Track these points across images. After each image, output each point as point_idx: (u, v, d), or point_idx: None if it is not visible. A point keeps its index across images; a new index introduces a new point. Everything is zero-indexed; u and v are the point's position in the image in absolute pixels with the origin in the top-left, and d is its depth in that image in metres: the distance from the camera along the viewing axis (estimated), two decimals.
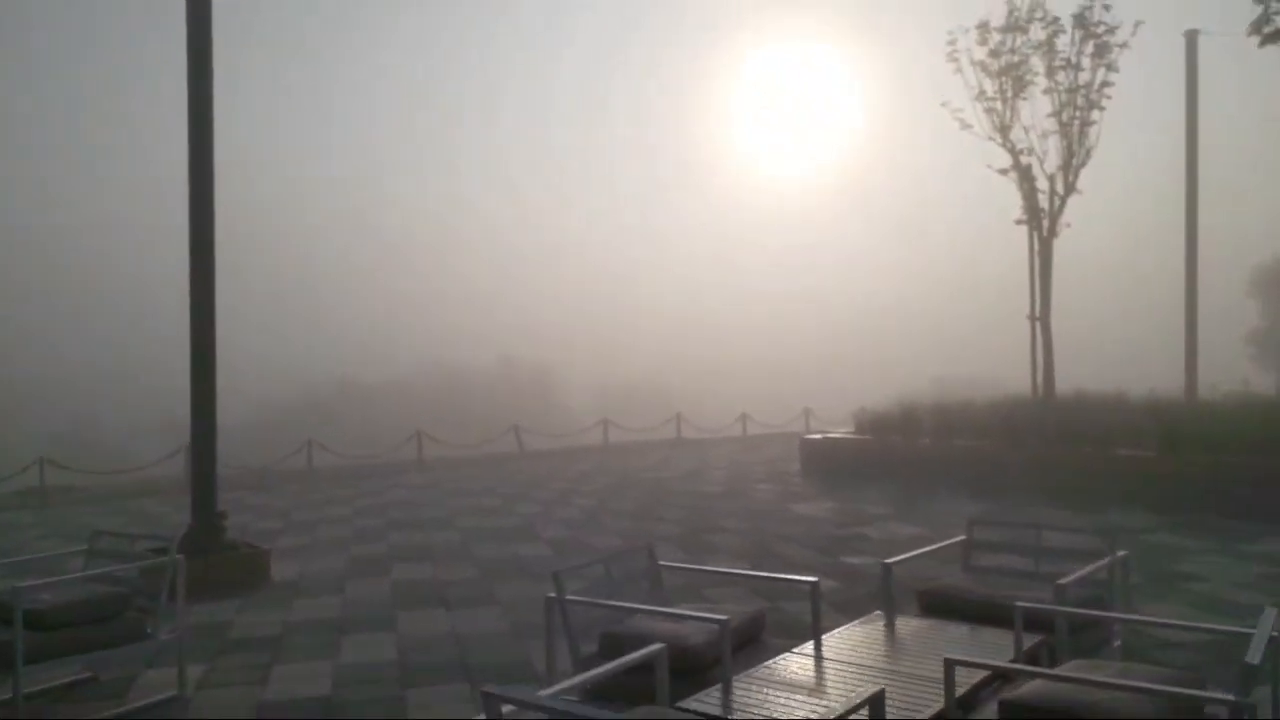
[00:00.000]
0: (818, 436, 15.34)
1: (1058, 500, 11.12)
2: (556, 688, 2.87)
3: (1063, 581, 4.14)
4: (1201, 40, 17.30)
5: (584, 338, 75.90)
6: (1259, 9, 11.00)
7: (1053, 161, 14.90)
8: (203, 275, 8.33)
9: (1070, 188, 14.74)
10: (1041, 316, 15.17)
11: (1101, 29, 14.41)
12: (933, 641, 4.07)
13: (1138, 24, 14.54)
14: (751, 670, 3.75)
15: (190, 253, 8.36)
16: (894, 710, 3.04)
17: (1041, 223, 15.01)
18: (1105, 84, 14.65)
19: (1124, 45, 14.50)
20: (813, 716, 3.20)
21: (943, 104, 15.50)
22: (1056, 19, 14.54)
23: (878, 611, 4.60)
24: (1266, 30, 10.85)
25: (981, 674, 3.42)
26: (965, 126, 15.42)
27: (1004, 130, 15.24)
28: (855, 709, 2.45)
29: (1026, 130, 15.04)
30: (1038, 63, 14.95)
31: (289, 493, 14.54)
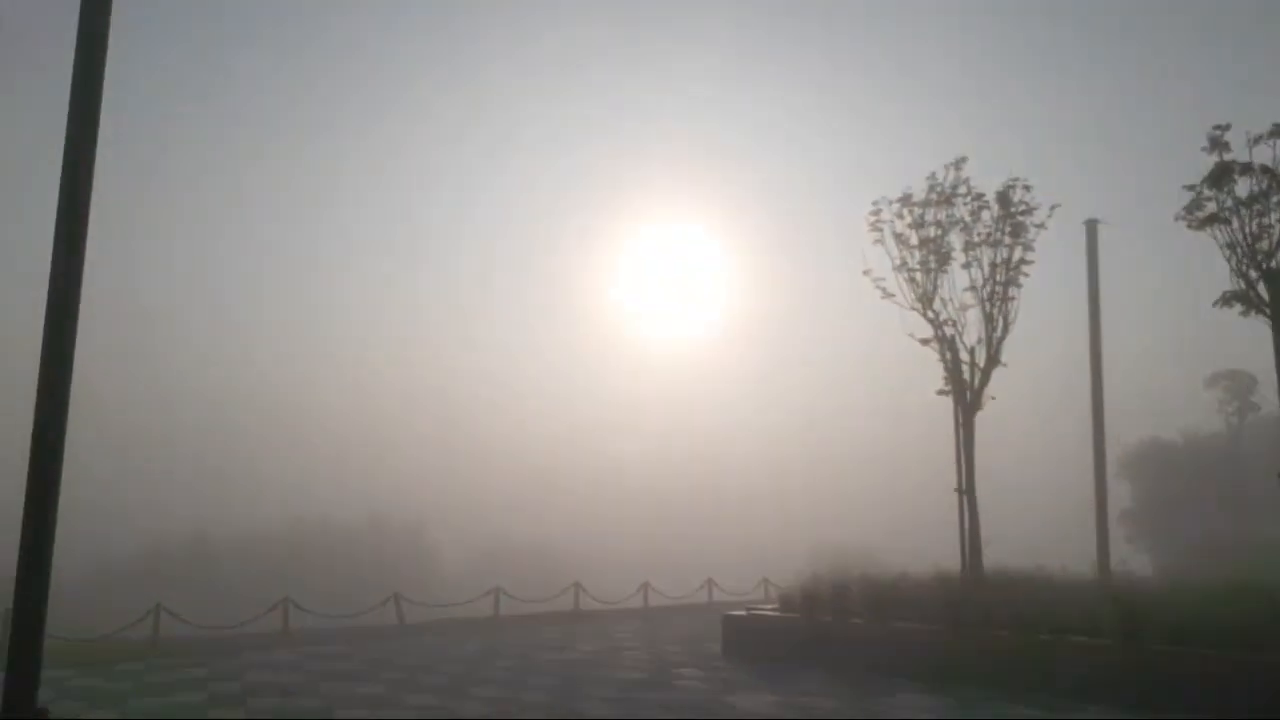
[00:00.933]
0: (741, 613, 14.10)
1: (1017, 695, 10.18)
2: None
3: None
4: (1102, 229, 17.99)
5: (456, 496, 73.20)
6: (1189, 195, 11.21)
7: (973, 334, 14.79)
8: (54, 391, 6.76)
9: (993, 360, 14.59)
10: (967, 489, 14.67)
11: (1021, 209, 14.66)
12: None
13: (1054, 207, 14.88)
14: None
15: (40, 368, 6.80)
16: None
17: (965, 394, 14.72)
18: (1024, 261, 14.80)
19: (1041, 226, 14.76)
20: None
21: (865, 272, 15.38)
22: (981, 195, 14.74)
23: None
24: (1199, 215, 11.02)
25: None
26: (888, 295, 15.27)
27: (926, 300, 15.14)
28: None
29: (945, 303, 14.97)
30: (956, 239, 15.05)
31: (129, 673, 12.21)
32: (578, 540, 64.12)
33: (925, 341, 15.18)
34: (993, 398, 14.81)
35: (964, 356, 14.80)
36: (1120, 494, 41.14)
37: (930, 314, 15.04)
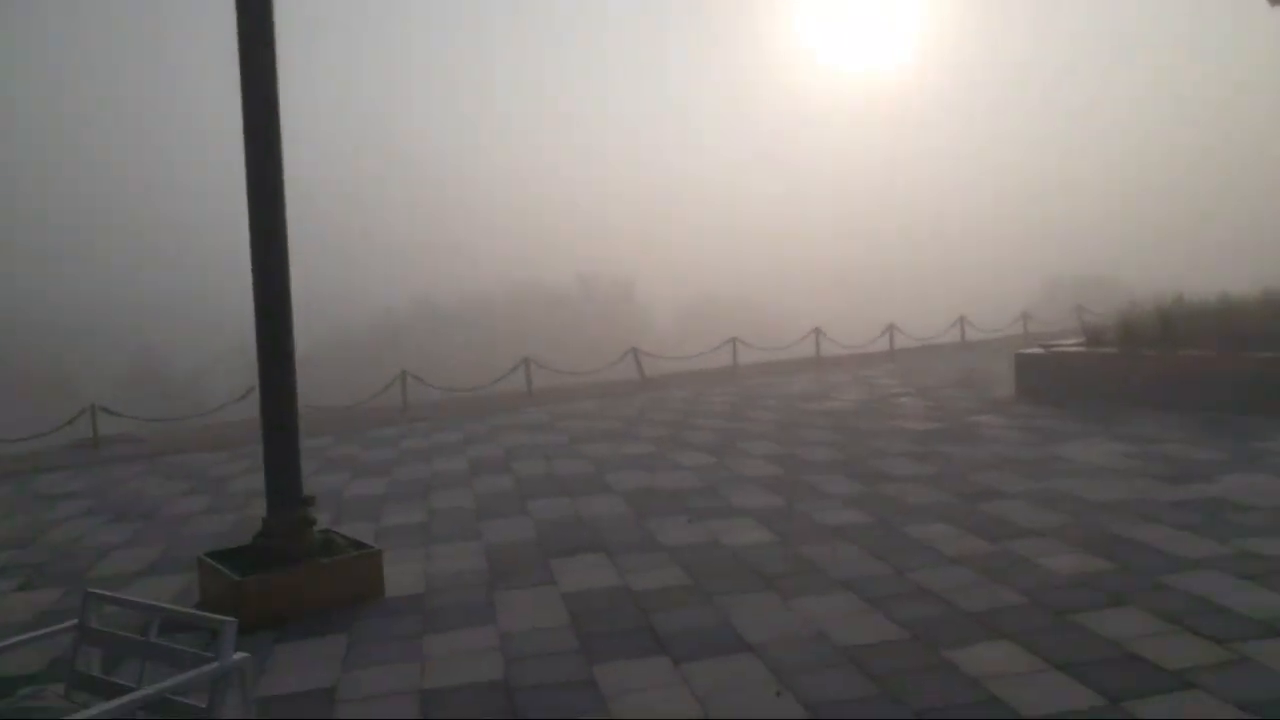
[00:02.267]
0: (1037, 351, 12.08)
1: None
2: None
3: None
4: None
5: (657, 253, 72.68)
6: None
7: None
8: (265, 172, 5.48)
9: None
10: None
11: None
12: None
13: None
14: None
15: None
16: None
17: None
18: None
19: None
20: None
21: None
22: None
23: None
24: None
25: None
26: None
27: None
28: None
29: None
30: None
31: (384, 440, 11.93)
32: (787, 293, 62.82)
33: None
34: None
35: None
36: None
37: None
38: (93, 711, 2.42)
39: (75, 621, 3.09)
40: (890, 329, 19.58)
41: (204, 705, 2.66)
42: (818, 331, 18.87)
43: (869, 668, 4.12)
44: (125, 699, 2.50)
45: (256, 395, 5.74)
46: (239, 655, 2.71)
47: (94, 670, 3.07)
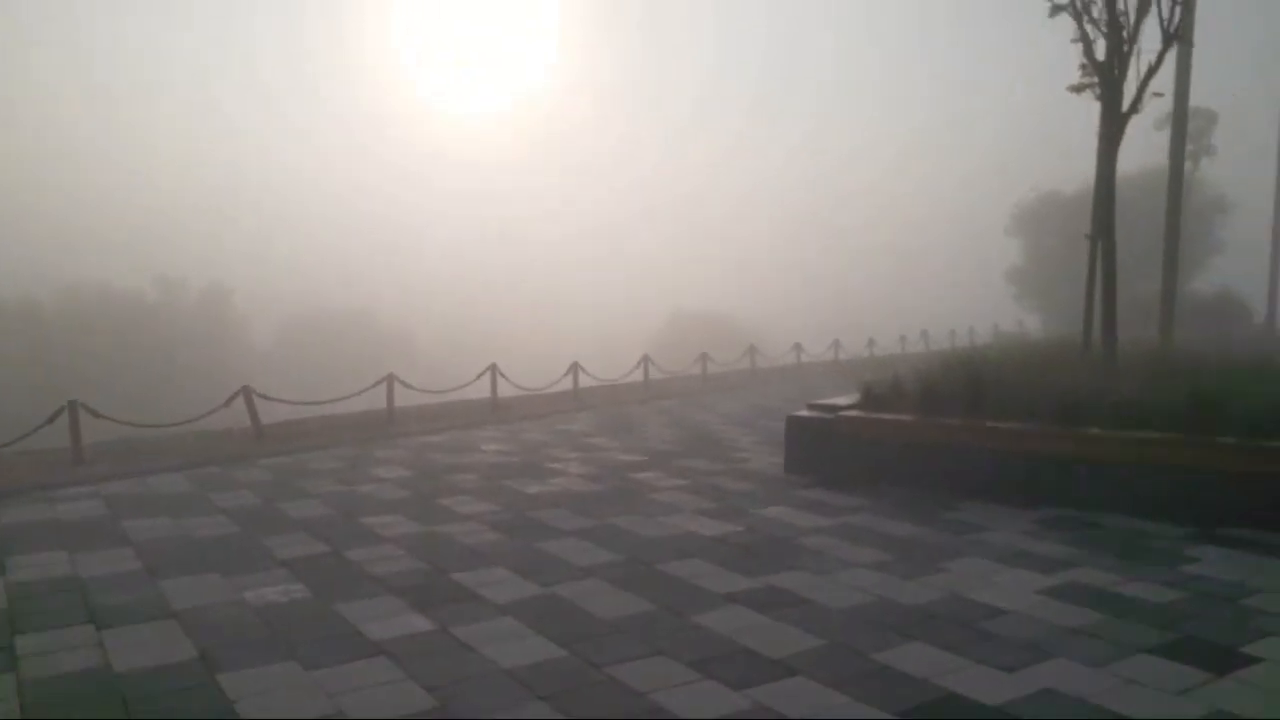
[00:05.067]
0: (815, 415, 9.44)
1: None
2: None
3: None
4: None
5: (254, 260, 64.36)
6: None
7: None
8: None
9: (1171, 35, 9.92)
10: (1102, 233, 10.44)
11: None
12: None
13: None
14: None
15: None
16: None
17: (1112, 87, 10.09)
18: None
19: None
20: None
21: None
22: None
23: None
24: None
25: None
26: None
27: None
28: None
29: None
30: None
31: None
32: (411, 311, 58.02)
33: (1055, 9, 10.31)
34: (1158, 94, 10.27)
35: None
36: (1010, 250, 39.34)
37: None
38: None
39: None
40: (575, 367, 16.49)
41: None
42: (494, 369, 15.23)
43: None
44: None
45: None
46: None
47: None
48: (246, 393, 12.27)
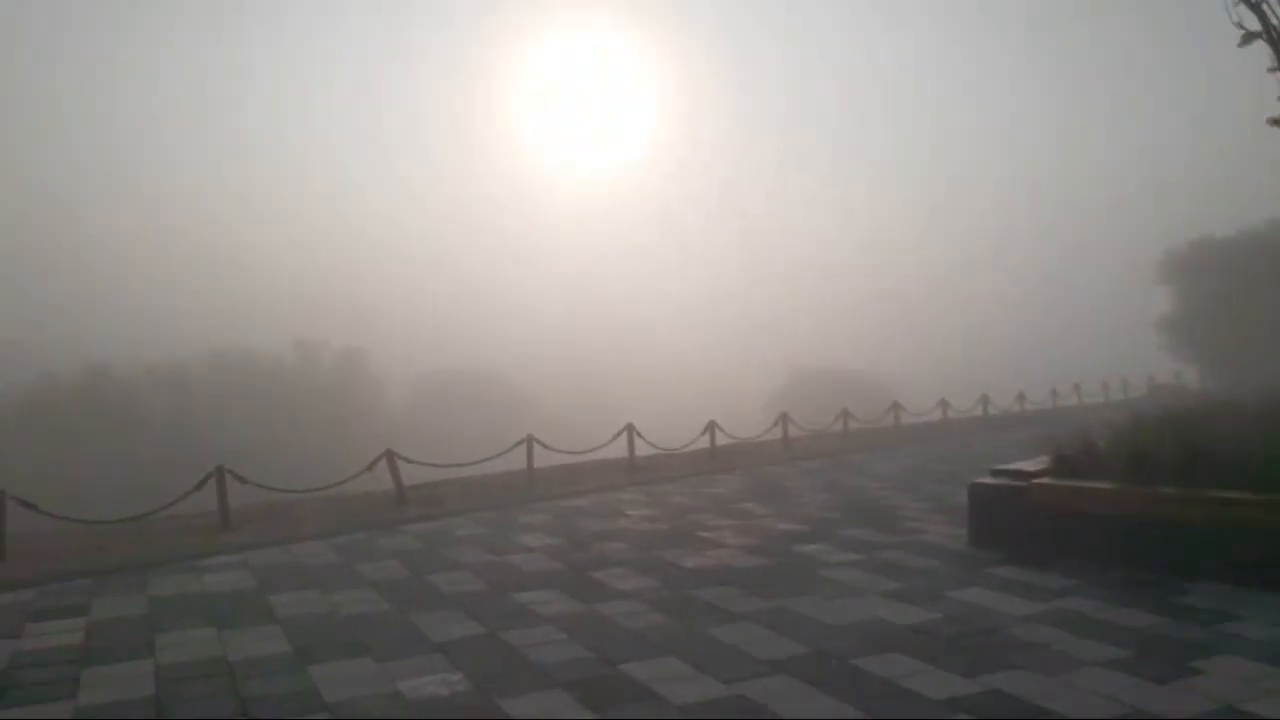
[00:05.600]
0: (1006, 483, 8.49)
1: None
2: None
3: None
4: None
5: (385, 323, 66.31)
6: None
7: None
8: None
9: None
10: None
11: None
12: None
13: None
14: None
15: None
16: None
17: None
18: None
19: None
20: None
21: None
22: None
23: None
24: None
25: None
26: None
27: None
28: None
29: None
30: None
31: None
32: (537, 377, 58.62)
33: (1247, 38, 9.28)
34: None
35: None
36: (1160, 298, 36.88)
37: None
38: None
39: None
40: (712, 426, 15.86)
41: None
42: (630, 428, 14.75)
43: None
44: None
45: None
46: None
47: None
48: (389, 456, 12.09)
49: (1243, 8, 9.05)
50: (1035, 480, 8.15)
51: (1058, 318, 70.19)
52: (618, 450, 15.13)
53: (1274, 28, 8.93)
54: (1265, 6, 8.95)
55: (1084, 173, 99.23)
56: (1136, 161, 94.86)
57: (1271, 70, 9.14)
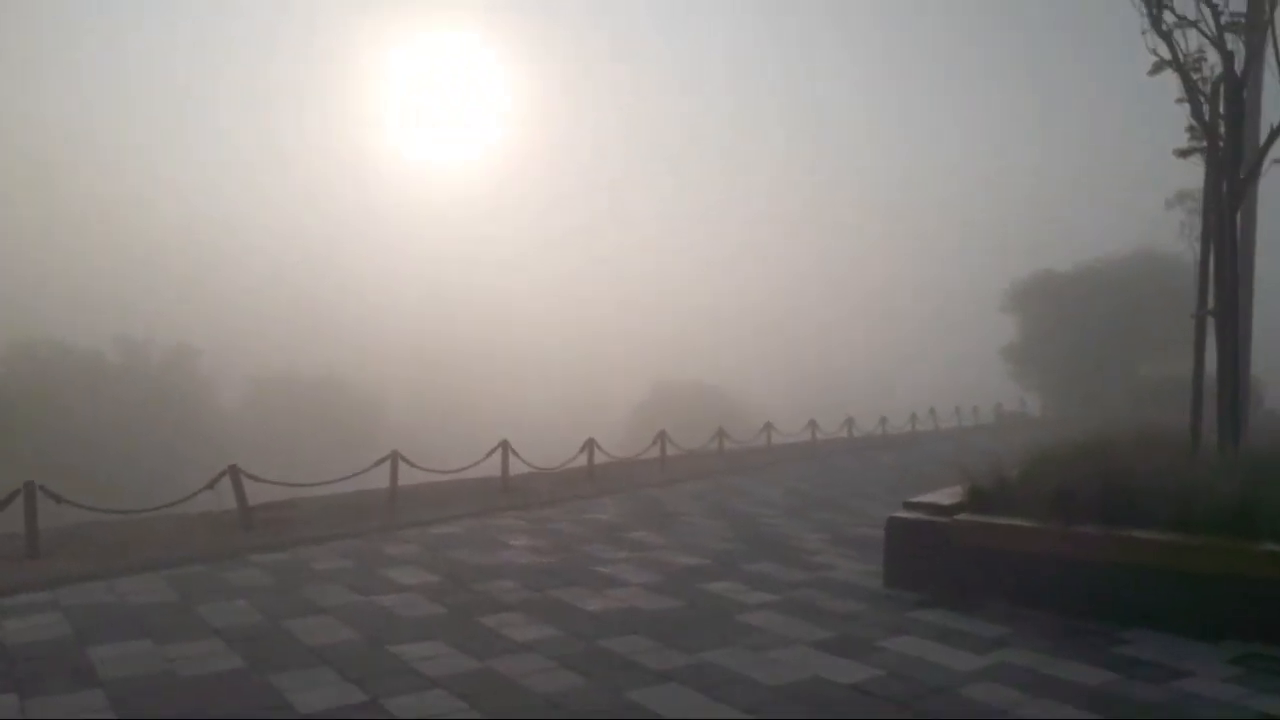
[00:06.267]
0: (915, 516, 8.06)
1: None
2: None
3: None
4: None
5: (220, 321, 62.32)
6: None
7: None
8: None
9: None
10: (1223, 309, 9.26)
11: None
12: None
13: None
14: None
15: None
16: None
17: (1222, 149, 9.04)
18: None
19: None
20: None
21: None
22: None
23: None
24: None
25: None
26: None
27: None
28: None
29: None
30: None
31: None
32: (389, 380, 56.19)
33: (1158, 67, 9.29)
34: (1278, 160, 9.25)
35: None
36: (1006, 327, 38.62)
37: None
38: None
39: None
40: (590, 445, 15.04)
41: None
42: (505, 445, 13.74)
43: None
44: None
45: None
46: None
47: None
48: (234, 473, 10.68)
49: (1153, 36, 9.03)
50: (956, 517, 7.74)
51: (910, 343, 73.12)
52: (487, 468, 14.11)
53: (1185, 57, 8.94)
54: (1174, 38, 8.96)
55: (936, 201, 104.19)
56: (987, 191, 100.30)
57: (1179, 101, 9.17)
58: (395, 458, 12.42)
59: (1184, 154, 9.56)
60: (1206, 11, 8.76)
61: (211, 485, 10.61)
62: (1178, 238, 30.89)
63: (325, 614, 7.03)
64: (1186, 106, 9.10)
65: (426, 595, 7.66)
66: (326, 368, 52.08)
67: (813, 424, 22.02)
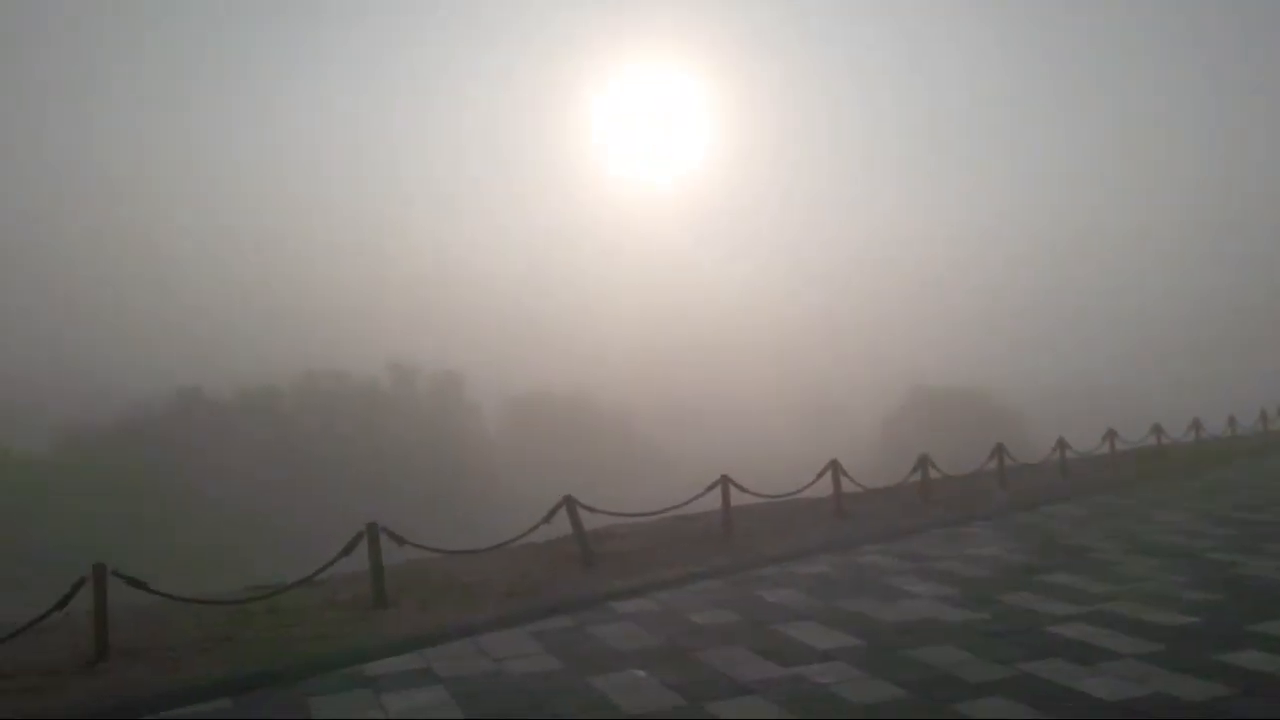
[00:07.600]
0: None
1: None
2: None
3: None
4: None
5: (481, 345, 64.66)
6: None
7: None
8: None
9: None
10: None
11: None
12: None
13: None
14: None
15: None
16: None
17: None
18: None
19: None
20: None
21: None
22: None
23: None
24: None
25: None
26: None
27: None
28: None
29: None
30: None
31: None
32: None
33: None
34: None
35: None
36: None
37: None
38: None
39: None
40: (924, 461, 13.07)
41: None
42: (836, 465, 12.04)
43: None
44: None
45: None
46: None
47: None
48: (569, 504, 9.61)
49: None
50: None
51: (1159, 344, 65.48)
52: (822, 489, 12.44)
53: None
54: None
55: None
56: None
57: None
58: (725, 483, 11.02)
59: None
60: None
61: (548, 519, 9.57)
62: None
63: (752, 694, 5.56)
64: None
65: (854, 663, 6.06)
66: (575, 384, 52.60)
67: (1196, 423, 19.05)
